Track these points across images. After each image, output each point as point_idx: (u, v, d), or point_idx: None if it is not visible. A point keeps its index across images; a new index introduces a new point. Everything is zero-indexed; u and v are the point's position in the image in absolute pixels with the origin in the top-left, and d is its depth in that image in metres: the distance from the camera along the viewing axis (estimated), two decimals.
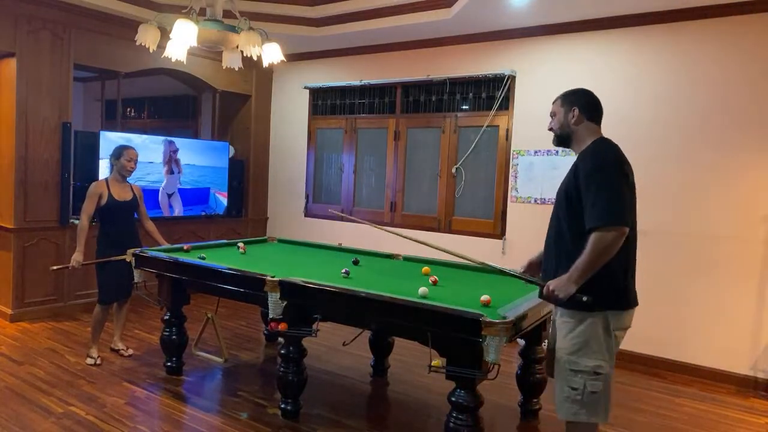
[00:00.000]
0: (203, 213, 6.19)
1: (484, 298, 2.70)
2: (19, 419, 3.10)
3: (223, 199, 6.39)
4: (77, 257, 3.90)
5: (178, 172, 5.97)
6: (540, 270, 2.59)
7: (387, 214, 5.94)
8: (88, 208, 3.93)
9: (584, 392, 2.28)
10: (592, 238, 2.22)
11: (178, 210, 5.99)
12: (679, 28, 4.34)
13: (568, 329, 2.34)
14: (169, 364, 3.85)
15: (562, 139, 2.52)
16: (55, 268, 4.16)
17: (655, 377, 4.31)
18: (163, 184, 5.82)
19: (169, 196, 5.91)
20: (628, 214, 2.28)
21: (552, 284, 2.30)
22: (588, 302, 2.23)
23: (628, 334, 2.43)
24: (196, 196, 6.16)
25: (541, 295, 2.44)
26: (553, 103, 2.56)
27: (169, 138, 5.93)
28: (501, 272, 2.76)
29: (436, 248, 2.96)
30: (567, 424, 2.39)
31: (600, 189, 2.23)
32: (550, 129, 2.56)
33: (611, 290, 2.30)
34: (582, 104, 2.45)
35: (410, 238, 3.24)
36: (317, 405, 3.45)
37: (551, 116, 2.55)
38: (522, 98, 5.09)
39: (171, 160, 5.90)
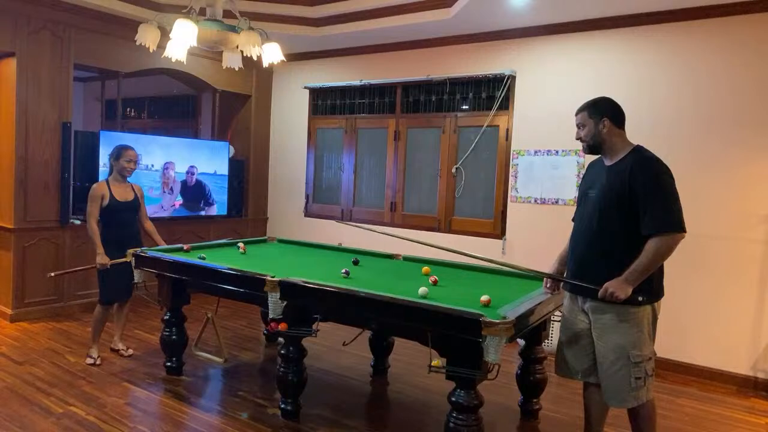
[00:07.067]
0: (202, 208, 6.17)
1: (484, 298, 2.70)
2: (19, 419, 3.10)
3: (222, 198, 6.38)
4: (101, 260, 3.85)
5: (170, 192, 5.89)
6: (565, 268, 2.80)
7: (387, 213, 5.94)
8: (93, 211, 3.92)
9: (646, 377, 2.52)
10: (657, 242, 2.40)
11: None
12: (678, 28, 4.34)
13: (626, 327, 2.49)
14: (169, 364, 3.85)
15: (595, 149, 2.67)
16: (53, 274, 4.15)
17: (656, 377, 4.29)
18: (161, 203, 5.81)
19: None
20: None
21: (611, 287, 2.44)
22: (643, 301, 2.46)
23: None
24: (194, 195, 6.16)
25: (569, 290, 2.71)
26: (578, 113, 2.70)
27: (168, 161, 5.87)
28: (549, 277, 2.89)
29: (474, 256, 3.12)
30: (632, 409, 2.60)
31: (665, 195, 2.42)
32: (579, 139, 2.69)
33: (655, 283, 2.52)
34: (611, 114, 2.60)
35: (437, 246, 3.33)
36: (317, 405, 3.45)
37: (578, 127, 2.68)
38: (522, 98, 5.08)
39: (169, 180, 5.83)
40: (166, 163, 5.77)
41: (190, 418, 3.25)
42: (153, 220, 4.38)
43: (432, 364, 2.53)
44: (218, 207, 6.31)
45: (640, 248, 2.43)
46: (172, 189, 5.86)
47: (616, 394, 2.55)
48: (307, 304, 3.03)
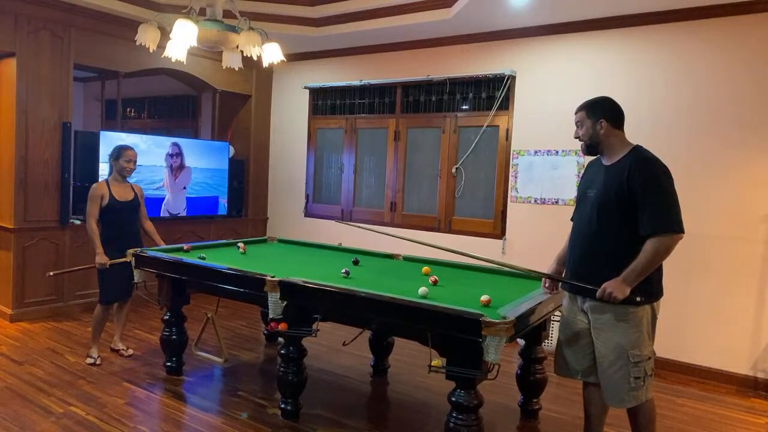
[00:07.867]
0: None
1: (484, 298, 2.70)
2: (19, 419, 3.10)
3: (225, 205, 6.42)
4: (100, 259, 3.85)
5: (180, 185, 5.88)
6: (564, 268, 2.80)
7: (387, 214, 5.94)
8: (93, 211, 3.92)
9: (645, 377, 2.51)
10: (656, 242, 2.40)
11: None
12: (678, 28, 4.34)
13: (625, 327, 2.50)
14: (169, 364, 3.85)
15: (592, 149, 2.67)
16: (51, 273, 4.15)
17: (656, 377, 4.30)
18: (165, 200, 5.78)
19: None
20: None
21: (609, 287, 2.44)
22: (641, 301, 2.46)
23: None
24: (203, 206, 6.17)
25: (568, 290, 2.71)
26: (577, 112, 2.70)
27: (173, 139, 5.88)
28: (548, 277, 2.89)
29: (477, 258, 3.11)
30: (631, 409, 2.59)
31: (663, 196, 2.42)
32: (577, 138, 2.69)
33: (654, 283, 2.52)
34: (609, 115, 2.60)
35: (437, 247, 3.33)
36: (317, 405, 3.45)
37: (577, 125, 2.68)
38: (522, 98, 5.09)
39: (172, 169, 5.82)
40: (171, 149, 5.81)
41: (190, 418, 3.25)
42: (153, 218, 4.39)
43: (432, 364, 2.53)
44: (218, 207, 6.31)
45: (638, 248, 2.43)
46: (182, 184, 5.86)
47: (616, 393, 2.55)
48: (307, 304, 3.03)
